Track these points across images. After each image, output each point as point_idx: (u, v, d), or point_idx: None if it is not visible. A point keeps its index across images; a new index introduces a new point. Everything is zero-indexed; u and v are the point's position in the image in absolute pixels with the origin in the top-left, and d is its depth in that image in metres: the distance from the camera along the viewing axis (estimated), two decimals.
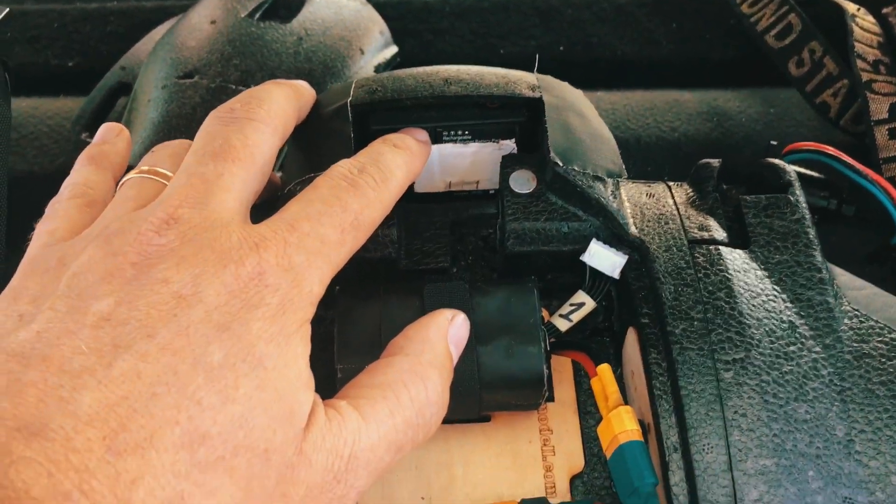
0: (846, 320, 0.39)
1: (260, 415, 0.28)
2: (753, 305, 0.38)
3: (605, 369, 0.38)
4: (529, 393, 0.38)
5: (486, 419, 0.41)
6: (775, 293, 0.39)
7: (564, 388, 0.42)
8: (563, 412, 0.41)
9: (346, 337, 0.38)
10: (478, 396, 0.38)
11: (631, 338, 0.40)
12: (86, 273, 0.29)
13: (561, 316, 0.41)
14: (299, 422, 0.29)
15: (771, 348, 0.37)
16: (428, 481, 0.40)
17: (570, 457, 0.40)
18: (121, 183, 0.36)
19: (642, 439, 0.36)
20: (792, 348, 0.37)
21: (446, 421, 0.41)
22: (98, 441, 0.24)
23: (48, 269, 0.30)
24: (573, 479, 0.40)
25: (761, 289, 0.38)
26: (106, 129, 0.39)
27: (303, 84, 0.40)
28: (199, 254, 0.29)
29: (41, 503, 0.23)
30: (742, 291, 0.38)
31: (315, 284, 0.31)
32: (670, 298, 0.38)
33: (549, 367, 0.38)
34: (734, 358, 0.36)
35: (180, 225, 0.30)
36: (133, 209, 0.32)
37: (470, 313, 0.37)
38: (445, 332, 0.35)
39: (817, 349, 0.37)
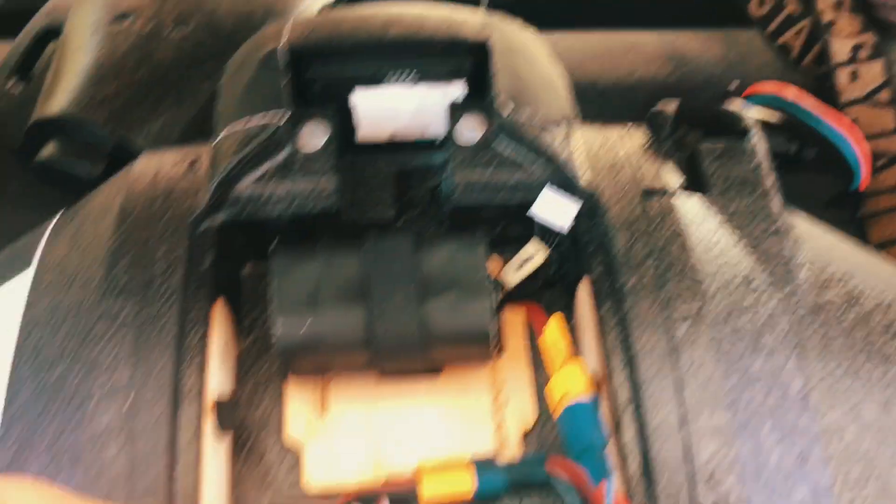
0: (804, 271, 0.37)
1: None
2: (708, 258, 0.36)
3: (553, 324, 0.36)
4: (476, 349, 0.37)
5: (437, 370, 0.40)
6: (731, 244, 0.37)
7: (517, 340, 0.41)
8: (515, 365, 0.40)
9: (284, 295, 0.36)
10: (420, 352, 0.36)
11: (583, 289, 0.38)
12: None
13: (511, 269, 0.39)
14: None
15: (726, 302, 0.36)
16: (376, 441, 0.39)
17: (523, 411, 0.39)
18: None
19: (592, 397, 0.35)
20: (748, 301, 0.36)
21: (394, 372, 0.40)
22: None
23: None
24: (526, 435, 0.39)
25: (716, 240, 0.37)
26: None
27: None
28: None
29: None
30: (696, 243, 0.36)
31: None
32: (622, 251, 0.36)
33: (497, 322, 0.36)
34: (688, 311, 0.35)
35: None
36: None
37: (414, 267, 0.36)
38: None
39: (773, 301, 0.36)
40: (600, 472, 0.33)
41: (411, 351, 0.36)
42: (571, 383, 0.34)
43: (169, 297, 0.35)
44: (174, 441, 0.33)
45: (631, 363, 0.34)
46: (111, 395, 0.33)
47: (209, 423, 0.36)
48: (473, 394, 0.40)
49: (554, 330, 0.36)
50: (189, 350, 0.35)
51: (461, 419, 0.39)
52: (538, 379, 0.40)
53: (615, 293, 0.36)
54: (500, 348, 0.40)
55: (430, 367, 0.40)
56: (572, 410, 0.34)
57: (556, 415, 0.35)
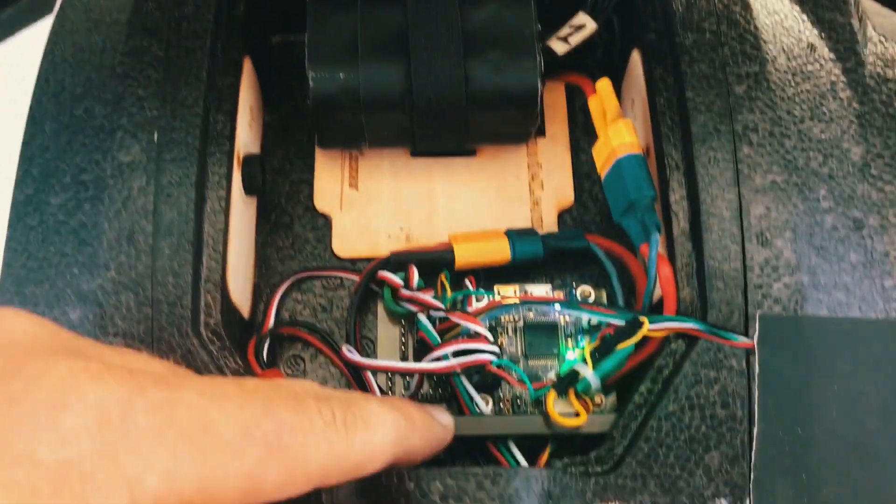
0: (870, 45, 0.35)
1: None
2: (771, 22, 0.34)
3: (604, 83, 0.34)
4: (521, 114, 0.35)
5: (472, 153, 0.38)
6: (795, 13, 0.35)
7: (557, 123, 0.39)
8: (554, 147, 0.38)
9: (318, 46, 0.34)
10: (464, 115, 0.34)
11: (635, 60, 0.36)
12: None
13: (559, 38, 0.37)
14: None
15: (788, 66, 0.33)
16: (407, 213, 0.37)
17: (560, 192, 0.38)
18: None
19: (642, 152, 0.33)
20: (810, 68, 0.34)
21: (429, 153, 0.39)
22: None
23: None
24: (561, 214, 0.37)
25: (780, 7, 0.35)
26: None
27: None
28: None
29: None
30: (759, 7, 0.34)
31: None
32: (681, 10, 0.34)
33: (543, 89, 0.34)
34: (747, 72, 0.33)
35: None
36: None
37: (460, 21, 0.34)
38: None
39: (837, 71, 0.34)
40: (647, 229, 0.32)
41: (452, 113, 0.34)
42: (621, 137, 0.33)
43: (200, 37, 0.33)
44: (203, 179, 0.32)
45: (685, 121, 0.32)
46: (139, 128, 0.32)
47: (238, 176, 0.35)
48: (510, 173, 0.38)
49: (605, 88, 0.34)
50: (219, 93, 0.33)
51: (497, 196, 0.38)
52: (576, 164, 0.38)
53: (671, 53, 0.34)
54: (540, 130, 0.38)
55: (465, 150, 0.38)
56: (621, 163, 0.32)
57: (605, 171, 0.33)
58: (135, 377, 0.21)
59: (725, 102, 0.32)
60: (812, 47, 0.34)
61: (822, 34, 0.35)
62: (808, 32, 0.35)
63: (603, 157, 0.33)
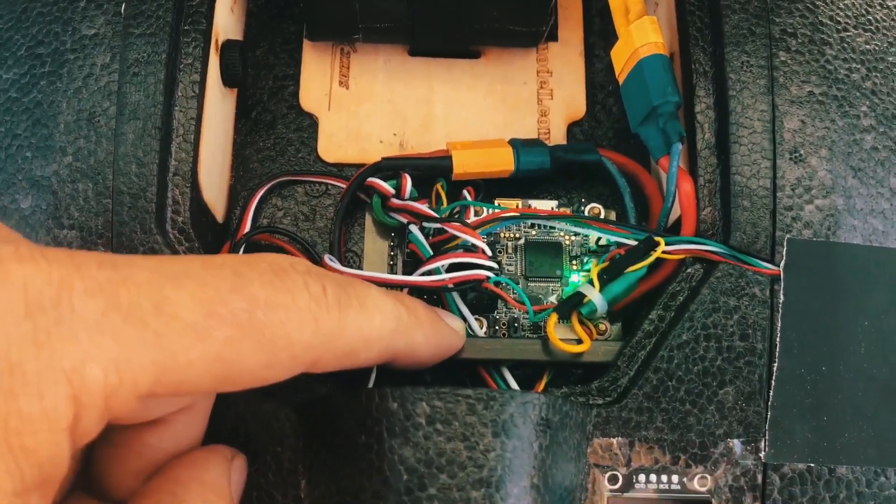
0: None
1: None
2: None
3: None
4: (532, 7, 0.31)
5: (476, 55, 0.35)
6: None
7: (571, 27, 0.35)
8: (567, 53, 0.35)
9: None
10: (468, 4, 0.31)
11: None
12: None
13: None
14: None
15: None
16: (403, 117, 0.34)
17: (571, 102, 0.34)
18: None
19: (667, 53, 0.30)
20: None
21: (429, 53, 0.35)
22: None
23: None
24: (571, 126, 0.34)
25: None
26: None
27: None
28: None
29: None
30: None
31: (96, 370, 0.18)
32: None
33: None
34: None
35: None
36: None
37: None
38: (228, 478, 0.23)
39: None
40: (669, 139, 0.29)
41: (457, 5, 0.31)
42: (646, 36, 0.29)
43: None
44: (176, 60, 0.29)
45: (715, 22, 0.29)
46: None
47: (215, 62, 0.31)
48: (517, 79, 0.35)
49: None
50: None
51: (501, 104, 0.34)
52: (590, 73, 0.35)
53: None
54: (551, 34, 0.35)
55: (469, 51, 0.35)
56: (643, 65, 0.29)
57: (624, 76, 0.30)
58: (73, 258, 0.18)
59: (763, 2, 0.29)
60: None
61: None
62: None
63: (623, 59, 0.30)
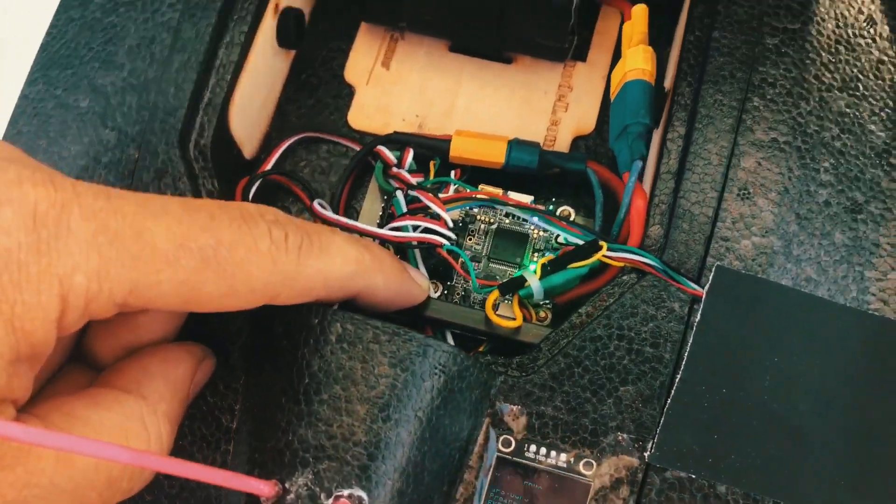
0: None
1: None
2: None
3: (640, 8, 0.33)
4: (554, 23, 0.34)
5: (508, 61, 0.38)
6: None
7: (601, 52, 0.38)
8: (591, 74, 0.38)
9: None
10: (498, 10, 0.34)
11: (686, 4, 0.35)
12: None
13: None
14: None
15: (834, 32, 0.32)
16: (428, 103, 0.38)
17: (582, 118, 0.37)
18: None
19: (653, 83, 0.32)
20: (860, 40, 0.32)
21: (467, 52, 0.39)
22: None
23: None
24: (576, 139, 0.37)
25: None
26: None
27: None
28: None
29: None
30: None
31: (78, 275, 0.22)
32: None
33: (578, 2, 0.34)
34: (786, 27, 0.31)
35: None
36: None
37: None
38: (191, 378, 0.28)
39: (891, 52, 0.32)
40: (634, 154, 0.31)
41: (488, 4, 0.34)
42: (636, 62, 0.32)
43: None
44: (230, 10, 0.34)
45: (704, 60, 0.31)
46: None
47: (271, 24, 0.36)
48: (539, 88, 0.38)
49: (638, 13, 0.33)
50: None
51: (518, 107, 0.38)
52: (608, 96, 0.38)
53: None
54: (581, 54, 0.38)
55: (503, 57, 0.38)
56: (627, 87, 0.32)
57: (614, 94, 0.33)
58: (76, 187, 0.23)
59: (751, 51, 0.31)
60: (871, 21, 0.32)
61: (889, 12, 0.33)
62: (874, 6, 0.33)
63: (616, 79, 0.33)
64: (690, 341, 0.29)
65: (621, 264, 0.30)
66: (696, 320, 0.29)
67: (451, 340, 0.32)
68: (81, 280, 0.22)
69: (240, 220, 0.25)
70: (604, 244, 0.30)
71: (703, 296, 0.29)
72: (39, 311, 0.21)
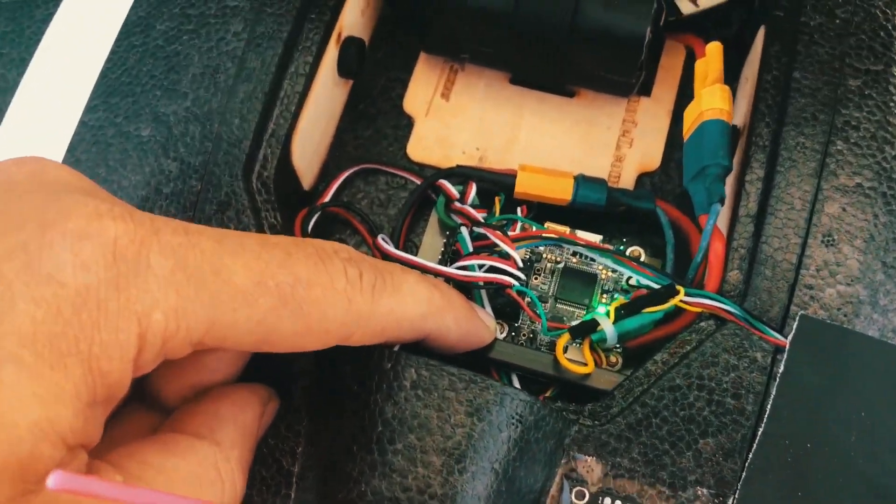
0: None
1: None
2: None
3: (714, 46, 0.33)
4: (623, 58, 0.34)
5: (571, 94, 0.38)
6: None
7: (666, 87, 0.37)
8: (655, 109, 0.37)
9: None
10: (565, 44, 0.34)
11: (759, 38, 0.34)
12: None
13: None
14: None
15: None
16: (489, 135, 0.37)
17: (647, 154, 0.36)
18: None
19: (730, 121, 0.31)
20: None
21: (528, 85, 0.38)
22: None
23: None
24: (641, 176, 0.36)
25: None
26: None
27: None
28: None
29: None
30: None
31: (151, 319, 0.21)
32: None
33: (650, 38, 0.33)
34: (868, 68, 0.31)
35: None
36: None
37: None
38: (259, 421, 0.27)
39: None
40: (713, 196, 0.30)
41: (553, 39, 0.33)
42: (713, 101, 0.31)
43: None
44: (296, 40, 0.33)
45: (784, 101, 0.31)
46: None
47: (333, 53, 0.35)
48: (602, 123, 0.37)
49: (713, 50, 0.32)
50: None
51: (581, 142, 0.37)
52: (675, 132, 0.37)
53: (793, 33, 0.32)
54: (646, 89, 0.37)
55: (565, 90, 0.38)
56: (704, 126, 0.31)
57: (688, 133, 0.32)
58: (154, 222, 0.22)
59: (833, 92, 0.30)
60: None
61: None
62: None
63: (691, 119, 0.32)
64: (773, 393, 0.28)
65: (699, 310, 0.29)
66: (780, 371, 0.28)
67: (517, 384, 0.31)
68: (160, 318, 0.21)
69: (315, 258, 0.24)
70: (681, 289, 0.29)
71: (787, 346, 0.28)
72: (117, 349, 0.21)
